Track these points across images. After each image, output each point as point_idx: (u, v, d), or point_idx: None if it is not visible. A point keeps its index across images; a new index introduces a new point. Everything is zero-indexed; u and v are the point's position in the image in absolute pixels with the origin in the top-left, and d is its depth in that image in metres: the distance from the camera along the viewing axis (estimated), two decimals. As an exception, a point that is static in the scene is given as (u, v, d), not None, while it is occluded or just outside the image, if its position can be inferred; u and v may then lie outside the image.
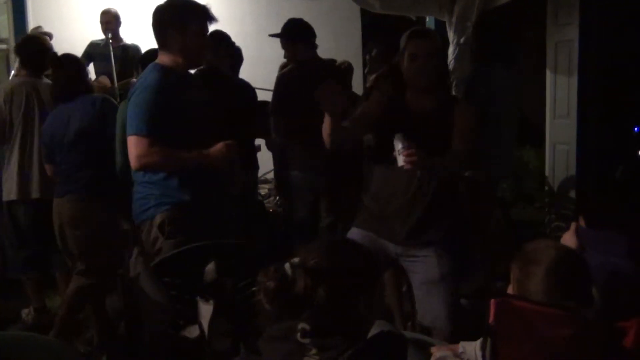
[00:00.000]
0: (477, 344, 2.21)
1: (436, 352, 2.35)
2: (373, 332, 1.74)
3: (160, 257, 2.72)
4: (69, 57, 4.00)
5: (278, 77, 4.57)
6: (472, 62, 4.68)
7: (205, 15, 3.09)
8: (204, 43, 3.16)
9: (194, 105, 3.11)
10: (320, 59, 4.43)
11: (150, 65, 3.14)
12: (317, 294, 1.68)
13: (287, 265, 1.70)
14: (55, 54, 4.09)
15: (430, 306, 3.00)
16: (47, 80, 4.30)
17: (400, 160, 2.74)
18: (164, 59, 3.11)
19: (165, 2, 3.12)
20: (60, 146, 3.77)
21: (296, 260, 1.71)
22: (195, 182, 3.04)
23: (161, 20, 3.09)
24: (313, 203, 4.38)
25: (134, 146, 2.93)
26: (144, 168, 2.98)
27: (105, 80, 5.94)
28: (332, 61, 4.72)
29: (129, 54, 6.18)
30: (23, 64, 4.37)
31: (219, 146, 3.00)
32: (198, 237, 2.87)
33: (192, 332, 2.58)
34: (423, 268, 3.01)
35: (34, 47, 4.32)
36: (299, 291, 1.68)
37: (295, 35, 4.43)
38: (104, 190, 3.70)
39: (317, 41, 4.51)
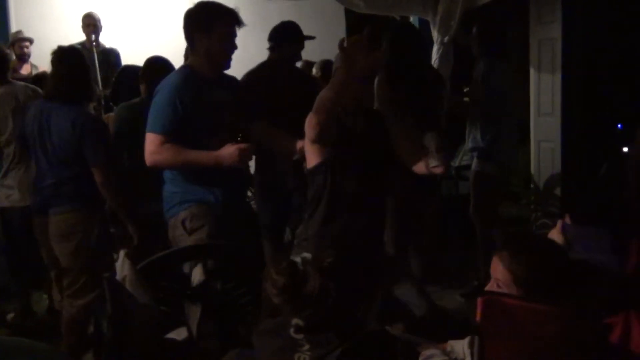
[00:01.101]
0: (465, 342, 2.22)
1: (425, 350, 2.36)
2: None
3: (147, 259, 2.71)
4: (75, 55, 3.75)
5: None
6: (480, 58, 4.69)
7: (233, 18, 3.14)
8: (230, 46, 3.18)
9: (212, 107, 3.15)
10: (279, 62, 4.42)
11: (179, 69, 3.25)
12: (322, 293, 1.67)
13: (298, 261, 1.69)
14: (59, 48, 3.77)
15: None
16: (19, 83, 4.30)
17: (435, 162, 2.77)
18: (191, 61, 3.22)
19: (194, 5, 3.16)
20: (44, 152, 3.56)
21: (307, 256, 1.71)
22: (215, 181, 3.13)
23: (189, 24, 3.15)
24: (283, 205, 4.32)
25: (148, 143, 3.05)
26: (154, 164, 3.09)
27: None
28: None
29: (110, 58, 6.17)
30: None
31: (231, 149, 3.00)
32: (219, 233, 3.03)
33: (180, 334, 2.58)
34: None
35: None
36: (309, 289, 1.67)
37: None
38: (90, 201, 3.56)
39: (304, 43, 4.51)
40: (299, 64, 5.11)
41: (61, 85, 3.54)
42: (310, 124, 2.90)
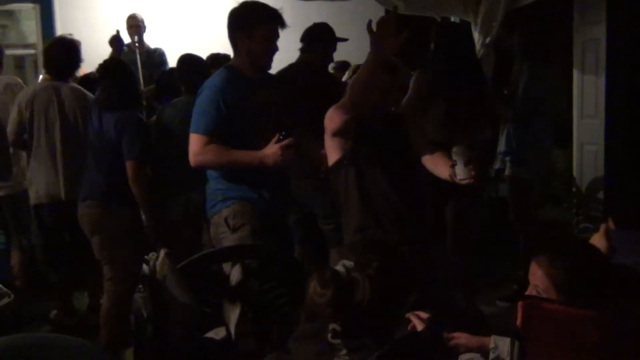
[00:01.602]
0: (509, 340, 2.18)
1: (463, 355, 2.33)
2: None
3: (187, 259, 2.74)
4: (119, 66, 3.99)
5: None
6: (522, 61, 4.64)
7: (276, 19, 3.12)
8: (271, 47, 3.17)
9: (255, 107, 3.16)
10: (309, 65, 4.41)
11: (222, 67, 3.24)
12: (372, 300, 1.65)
13: (341, 270, 1.66)
14: (104, 62, 4.10)
15: None
16: (72, 84, 4.33)
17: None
18: (234, 61, 3.23)
19: (238, 5, 3.16)
20: (92, 153, 3.80)
21: (349, 264, 1.67)
22: (258, 178, 3.13)
23: (231, 23, 3.15)
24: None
25: (193, 143, 3.06)
26: (198, 165, 3.11)
27: None
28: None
29: (154, 58, 6.25)
30: (47, 68, 4.40)
31: (274, 148, 2.98)
32: (262, 231, 3.05)
33: (219, 333, 2.60)
34: None
35: (60, 51, 4.32)
36: (359, 298, 1.65)
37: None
38: (122, 197, 3.68)
39: (341, 44, 4.50)
40: (331, 66, 5.10)
41: (111, 96, 3.74)
42: (332, 117, 2.88)
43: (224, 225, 3.11)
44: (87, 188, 3.77)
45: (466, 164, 2.77)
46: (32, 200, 4.26)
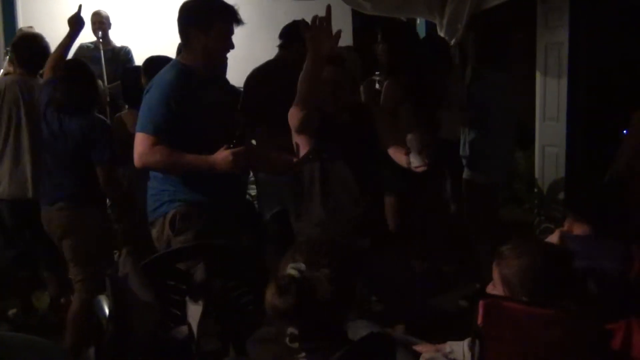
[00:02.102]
0: (465, 343, 2.21)
1: (424, 352, 2.35)
2: (355, 331, 1.73)
3: (150, 257, 2.71)
4: (81, 67, 3.91)
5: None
6: (470, 65, 4.67)
7: (232, 16, 3.01)
8: (227, 45, 3.06)
9: (208, 107, 3.03)
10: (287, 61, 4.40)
11: (171, 62, 3.12)
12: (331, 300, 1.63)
13: (294, 273, 1.62)
14: (67, 62, 4.01)
15: None
16: (41, 80, 4.25)
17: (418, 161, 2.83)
18: (185, 57, 3.07)
19: (190, 0, 3.05)
20: (54, 154, 3.70)
21: (299, 266, 1.63)
22: (209, 180, 3.00)
23: (185, 18, 3.02)
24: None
25: (139, 143, 2.92)
26: (144, 166, 2.96)
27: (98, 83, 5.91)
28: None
29: (119, 56, 6.18)
30: (19, 62, 4.28)
31: (225, 153, 2.86)
32: (207, 235, 2.94)
33: (181, 332, 2.58)
34: None
35: (34, 46, 4.26)
36: (321, 299, 1.62)
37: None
38: (93, 198, 3.65)
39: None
40: None
41: (71, 97, 3.65)
42: (292, 115, 2.93)
43: (168, 228, 3.01)
44: (52, 191, 3.67)
45: (420, 151, 2.83)
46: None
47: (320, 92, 2.89)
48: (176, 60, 3.11)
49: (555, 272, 2.03)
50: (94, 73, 3.91)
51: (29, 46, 4.25)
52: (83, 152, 3.58)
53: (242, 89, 4.33)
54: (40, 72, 4.29)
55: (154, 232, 3.12)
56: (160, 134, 2.89)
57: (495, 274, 2.08)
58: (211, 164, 2.89)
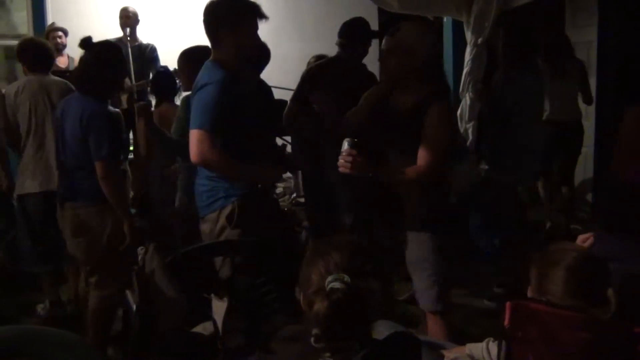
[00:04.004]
0: (484, 345, 2.21)
1: (449, 354, 2.35)
2: (380, 331, 1.72)
3: (176, 253, 2.74)
4: (110, 48, 3.65)
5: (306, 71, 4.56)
6: (501, 65, 4.62)
7: (257, 12, 3.10)
8: (256, 41, 3.17)
9: (252, 103, 3.17)
10: (353, 60, 4.41)
11: (208, 63, 3.14)
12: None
13: (341, 286, 1.59)
14: (102, 42, 3.73)
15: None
16: (55, 77, 4.33)
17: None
18: (218, 56, 3.13)
19: (216, 1, 3.11)
20: (58, 142, 3.60)
21: (344, 277, 1.61)
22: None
23: (214, 18, 3.09)
24: (332, 200, 4.32)
25: (198, 141, 2.95)
26: (203, 164, 3.02)
27: (126, 81, 5.98)
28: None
29: (145, 53, 6.23)
30: (28, 63, 4.34)
31: (270, 170, 3.19)
32: (260, 228, 3.05)
33: (206, 328, 2.60)
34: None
35: (36, 46, 4.31)
36: (373, 308, 1.62)
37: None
38: (100, 198, 3.45)
39: (335, 39, 4.50)
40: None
41: (82, 76, 3.55)
42: None
43: (225, 221, 3.07)
44: (65, 189, 3.59)
45: (343, 151, 2.89)
46: (18, 191, 4.24)
47: None
48: (212, 61, 3.14)
49: (596, 276, 2.02)
50: (123, 59, 3.71)
51: (34, 47, 4.31)
52: (85, 145, 3.40)
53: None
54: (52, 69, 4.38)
55: (206, 227, 3.16)
56: (217, 131, 2.96)
57: (534, 280, 2.08)
58: (263, 175, 3.20)
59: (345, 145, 2.91)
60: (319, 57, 5.03)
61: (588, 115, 5.79)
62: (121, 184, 3.53)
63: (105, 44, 3.69)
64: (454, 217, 3.33)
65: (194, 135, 2.96)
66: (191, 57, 3.93)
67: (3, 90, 4.40)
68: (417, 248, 3.07)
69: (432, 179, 3.02)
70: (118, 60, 3.61)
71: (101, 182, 3.39)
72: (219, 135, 2.97)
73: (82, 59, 3.61)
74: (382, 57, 3.14)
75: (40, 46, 4.36)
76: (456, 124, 3.51)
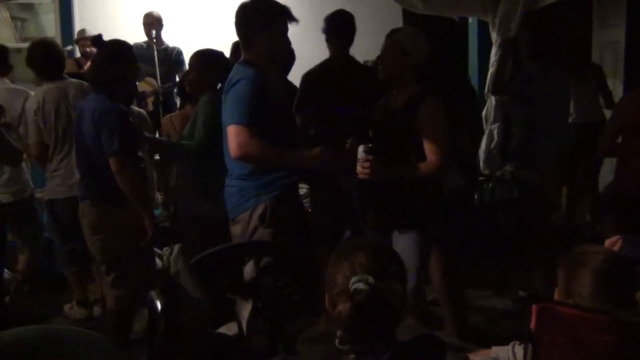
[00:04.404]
0: (510, 348, 2.19)
1: (474, 356, 2.33)
2: (404, 333, 1.72)
3: (201, 254, 2.75)
4: (120, 46, 3.67)
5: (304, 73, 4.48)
6: (526, 61, 4.59)
7: (288, 15, 3.18)
8: (286, 42, 3.25)
9: (282, 102, 3.23)
10: (350, 57, 4.39)
11: (240, 63, 3.18)
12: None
13: (365, 287, 1.59)
14: (113, 40, 3.76)
15: None
16: (71, 80, 4.35)
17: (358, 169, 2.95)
18: (250, 57, 3.17)
19: (250, 2, 3.18)
20: (76, 142, 3.64)
21: (368, 279, 1.61)
22: (292, 173, 3.17)
23: (247, 20, 3.15)
24: (340, 205, 4.30)
25: (236, 135, 2.98)
26: (244, 157, 3.03)
27: (152, 81, 6.05)
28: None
29: (172, 56, 6.28)
30: (41, 76, 4.36)
31: (319, 150, 3.09)
32: (293, 227, 3.09)
33: (231, 329, 2.60)
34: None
35: (44, 54, 4.30)
36: (396, 309, 1.63)
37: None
38: (116, 197, 3.46)
39: (359, 40, 4.48)
40: None
41: (94, 74, 3.61)
42: None
43: (258, 221, 3.09)
44: (82, 187, 3.62)
45: (360, 158, 2.96)
46: (48, 196, 4.32)
47: None
48: (244, 60, 3.18)
49: (624, 278, 1.99)
50: (135, 57, 3.71)
51: (40, 55, 4.30)
52: (98, 142, 3.42)
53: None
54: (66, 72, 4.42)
55: (237, 228, 3.17)
56: (254, 125, 2.98)
57: (561, 282, 2.06)
58: (310, 159, 3.11)
59: (361, 151, 2.96)
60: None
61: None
62: (138, 180, 3.53)
63: (116, 42, 3.71)
64: (442, 217, 3.32)
65: (232, 131, 3.00)
66: (207, 58, 4.01)
67: (32, 94, 4.45)
68: (401, 247, 3.05)
69: (445, 174, 3.13)
70: (129, 58, 3.64)
71: (117, 178, 3.41)
72: (256, 128, 2.98)
73: (93, 58, 3.67)
74: (380, 56, 3.34)
75: (50, 52, 4.34)
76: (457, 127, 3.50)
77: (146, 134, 4.12)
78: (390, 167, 3.01)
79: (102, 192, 3.51)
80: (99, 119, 3.40)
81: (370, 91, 3.67)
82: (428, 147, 3.08)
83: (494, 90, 4.83)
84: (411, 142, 3.11)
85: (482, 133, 5.68)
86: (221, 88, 3.53)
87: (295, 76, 4.46)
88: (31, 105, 4.29)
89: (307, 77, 4.29)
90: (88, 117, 3.44)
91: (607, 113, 5.67)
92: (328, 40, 4.29)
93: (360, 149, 2.97)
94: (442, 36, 4.72)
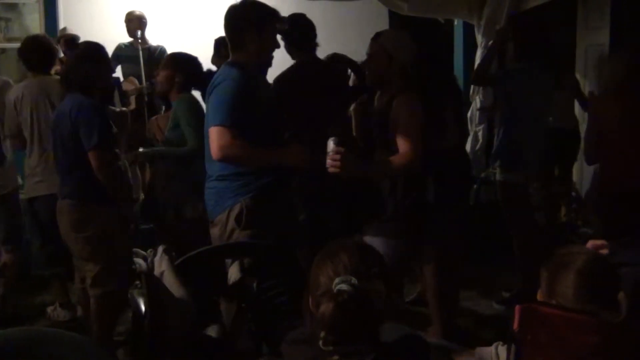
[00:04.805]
0: (493, 349, 2.20)
1: (458, 357, 2.34)
2: (388, 334, 1.72)
3: (185, 255, 2.74)
4: (94, 48, 3.74)
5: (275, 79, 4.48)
6: (512, 60, 4.59)
7: (278, 18, 3.21)
8: (276, 44, 3.24)
9: (265, 103, 3.19)
10: (320, 60, 4.37)
11: (227, 64, 3.19)
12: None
13: (348, 288, 1.59)
14: (86, 42, 3.94)
15: None
16: (55, 78, 4.33)
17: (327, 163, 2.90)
18: (238, 58, 3.16)
19: (240, 4, 3.19)
20: (55, 142, 3.64)
21: (351, 279, 1.60)
22: (269, 174, 3.13)
23: (238, 21, 3.15)
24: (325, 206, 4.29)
25: (218, 137, 2.96)
26: (225, 159, 3.01)
27: (134, 80, 6.05)
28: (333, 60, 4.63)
29: (155, 55, 6.26)
30: (28, 67, 4.38)
31: (299, 149, 3.08)
32: (271, 229, 3.04)
33: (215, 331, 2.60)
34: None
35: (37, 48, 4.31)
36: (379, 310, 1.63)
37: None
38: (99, 195, 3.50)
39: (345, 42, 4.50)
40: None
41: (67, 74, 3.63)
42: None
43: (234, 223, 3.07)
44: (62, 186, 3.63)
45: (330, 151, 2.91)
46: (27, 194, 4.28)
47: None
48: (230, 61, 3.19)
49: (607, 279, 2.00)
50: (108, 58, 3.78)
51: (33, 49, 4.31)
52: (77, 140, 3.45)
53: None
54: (54, 70, 4.41)
55: (216, 231, 3.15)
56: (236, 127, 2.97)
57: (545, 283, 2.07)
58: (284, 157, 3.09)
59: (331, 144, 2.91)
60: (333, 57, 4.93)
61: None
62: (118, 174, 3.56)
63: (88, 43, 3.83)
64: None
65: (213, 132, 2.98)
66: (175, 60, 4.10)
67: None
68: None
69: (417, 166, 3.09)
70: (100, 59, 3.68)
71: (97, 172, 3.43)
72: (238, 130, 2.97)
73: (65, 59, 3.67)
74: (365, 61, 3.36)
75: (44, 45, 4.37)
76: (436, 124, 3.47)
77: (141, 149, 4.17)
78: (360, 161, 2.99)
79: (83, 190, 3.52)
80: (76, 116, 3.43)
81: (343, 90, 3.70)
82: (400, 141, 3.07)
83: (477, 78, 4.81)
84: (393, 138, 3.12)
85: (467, 135, 5.71)
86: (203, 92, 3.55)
87: (273, 77, 4.44)
88: (10, 98, 4.29)
89: (280, 80, 4.23)
90: (66, 115, 3.47)
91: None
92: (290, 52, 4.23)
93: (331, 141, 2.92)
94: (429, 37, 4.72)
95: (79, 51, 3.68)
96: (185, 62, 4.12)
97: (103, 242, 3.53)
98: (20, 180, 4.57)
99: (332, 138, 2.93)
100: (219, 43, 4.51)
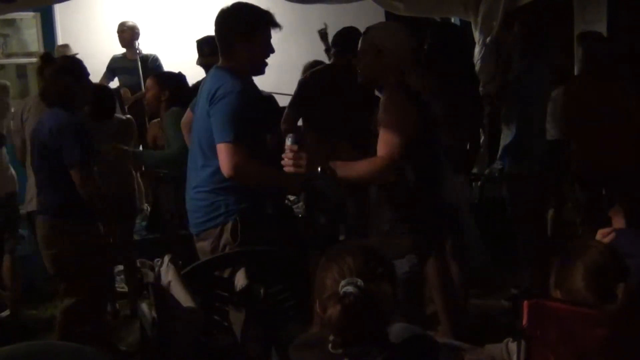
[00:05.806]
0: (503, 345, 2.20)
1: (469, 356, 2.34)
2: (397, 335, 1.72)
3: (192, 264, 2.74)
4: (72, 63, 3.74)
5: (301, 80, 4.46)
6: (519, 58, 4.59)
7: (271, 22, 3.04)
8: (269, 49, 3.07)
9: (262, 109, 3.17)
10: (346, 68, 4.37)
11: (219, 71, 3.06)
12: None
13: (354, 290, 1.58)
14: (63, 57, 4.03)
15: None
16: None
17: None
18: (230, 64, 3.04)
19: (230, 8, 3.04)
20: (32, 155, 3.63)
21: (356, 281, 1.59)
22: (262, 188, 3.05)
23: (228, 27, 3.02)
24: (335, 210, 4.30)
25: (231, 154, 2.83)
26: (238, 177, 2.87)
27: (127, 92, 6.13)
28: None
29: (147, 64, 6.29)
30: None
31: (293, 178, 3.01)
32: (266, 242, 2.95)
33: (224, 338, 2.60)
34: None
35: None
36: (386, 311, 1.63)
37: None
38: (74, 213, 3.47)
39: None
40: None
41: (45, 90, 3.63)
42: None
43: (229, 237, 2.97)
44: (38, 202, 3.61)
45: (287, 148, 2.76)
46: (28, 208, 4.26)
47: None
48: (221, 68, 3.07)
49: (615, 272, 2.00)
50: (87, 73, 3.69)
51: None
52: (56, 156, 3.40)
53: (271, 94, 4.39)
54: None
55: (206, 244, 3.03)
56: (245, 142, 2.87)
57: (554, 274, 2.06)
58: (284, 181, 3.06)
59: (288, 141, 2.76)
60: (314, 64, 4.98)
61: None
62: (99, 191, 3.52)
63: (65, 58, 3.99)
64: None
65: (225, 149, 2.85)
66: (159, 80, 4.28)
67: (13, 110, 4.46)
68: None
69: (389, 175, 2.80)
70: (78, 73, 3.62)
71: (80, 189, 3.39)
72: (246, 145, 2.87)
73: (45, 74, 3.71)
74: (357, 59, 3.08)
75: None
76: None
77: (125, 147, 4.17)
78: (322, 161, 2.78)
79: (56, 207, 3.50)
80: (58, 132, 3.39)
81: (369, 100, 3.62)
82: (379, 144, 2.81)
83: (502, 95, 4.78)
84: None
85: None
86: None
87: (281, 83, 4.46)
88: (19, 110, 4.33)
89: (307, 80, 4.28)
90: (46, 132, 3.43)
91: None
92: (335, 52, 4.30)
93: (288, 139, 2.77)
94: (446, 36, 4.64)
95: (57, 66, 3.66)
96: (168, 80, 4.28)
97: (72, 260, 3.47)
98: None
99: (290, 135, 2.79)
100: (201, 43, 4.53)
